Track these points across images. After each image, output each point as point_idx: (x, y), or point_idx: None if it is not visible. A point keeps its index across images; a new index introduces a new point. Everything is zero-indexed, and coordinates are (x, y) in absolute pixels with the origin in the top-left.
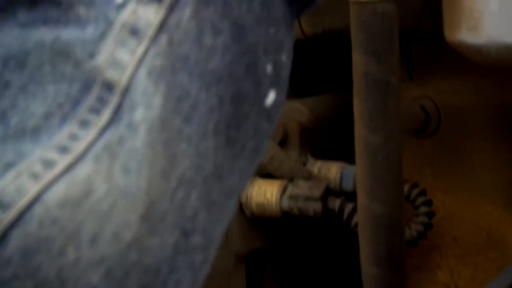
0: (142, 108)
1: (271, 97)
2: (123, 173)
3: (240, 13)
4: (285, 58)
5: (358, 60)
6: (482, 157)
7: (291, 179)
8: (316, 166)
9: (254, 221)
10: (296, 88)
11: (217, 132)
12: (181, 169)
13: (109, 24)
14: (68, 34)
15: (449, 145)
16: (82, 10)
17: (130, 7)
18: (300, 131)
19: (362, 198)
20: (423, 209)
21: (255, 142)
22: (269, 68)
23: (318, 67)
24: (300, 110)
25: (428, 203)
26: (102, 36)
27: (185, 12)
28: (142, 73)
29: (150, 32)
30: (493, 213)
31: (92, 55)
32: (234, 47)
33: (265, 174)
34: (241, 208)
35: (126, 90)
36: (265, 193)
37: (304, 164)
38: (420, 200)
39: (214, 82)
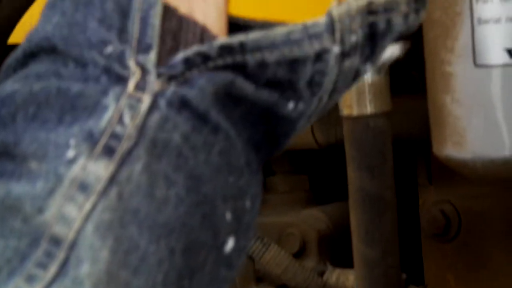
0: (88, 262)
1: (230, 244)
2: None
3: (197, 164)
4: (249, 203)
5: (352, 175)
6: (505, 261)
7: None
8: (335, 275)
9: None
10: (314, 196)
11: (167, 283)
12: None
13: (58, 179)
14: (19, 189)
15: (471, 250)
16: (34, 164)
17: (80, 162)
18: (318, 239)
19: None
20: None
21: None
22: (228, 216)
23: (334, 175)
24: (318, 218)
25: None
26: (51, 191)
27: (137, 166)
28: (89, 227)
29: (99, 187)
30: None
31: (40, 210)
32: (188, 198)
33: (280, 285)
34: None
35: (73, 245)
36: None
37: (322, 273)
38: None
39: (164, 234)
